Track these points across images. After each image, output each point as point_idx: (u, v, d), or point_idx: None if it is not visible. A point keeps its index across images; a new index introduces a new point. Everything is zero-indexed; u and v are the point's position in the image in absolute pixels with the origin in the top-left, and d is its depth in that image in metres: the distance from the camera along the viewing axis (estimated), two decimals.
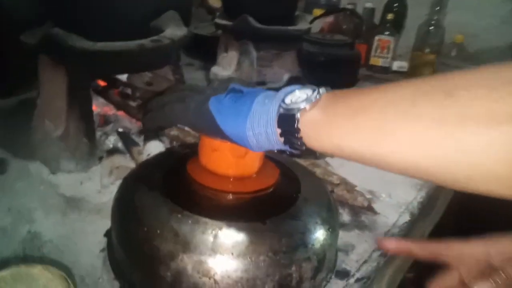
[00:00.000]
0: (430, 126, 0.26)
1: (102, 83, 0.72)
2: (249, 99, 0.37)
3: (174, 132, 0.67)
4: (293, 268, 0.40)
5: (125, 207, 0.44)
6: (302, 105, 0.33)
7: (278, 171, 0.49)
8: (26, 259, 0.44)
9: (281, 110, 0.35)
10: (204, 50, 1.18)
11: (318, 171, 0.66)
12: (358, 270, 0.49)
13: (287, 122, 0.34)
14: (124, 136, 0.65)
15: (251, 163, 0.45)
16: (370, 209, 0.61)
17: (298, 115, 0.33)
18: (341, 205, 0.61)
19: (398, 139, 0.28)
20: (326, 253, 0.44)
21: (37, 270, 0.26)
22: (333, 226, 0.46)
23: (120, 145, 0.65)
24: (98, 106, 0.69)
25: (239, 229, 0.39)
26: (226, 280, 0.38)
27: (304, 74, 1.26)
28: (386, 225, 0.58)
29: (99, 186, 0.59)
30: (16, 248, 0.47)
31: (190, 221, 0.39)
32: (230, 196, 0.44)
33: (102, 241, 0.48)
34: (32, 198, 0.56)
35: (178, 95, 0.44)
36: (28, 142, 0.65)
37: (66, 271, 0.33)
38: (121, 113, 0.69)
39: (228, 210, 0.43)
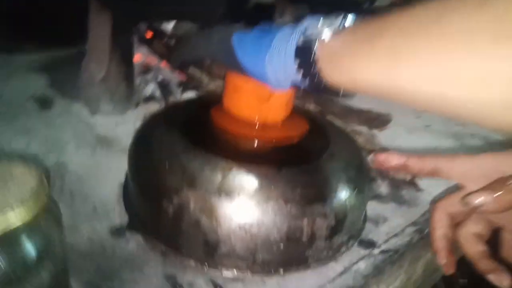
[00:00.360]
0: (455, 47, 0.20)
1: (149, 33, 0.72)
2: (273, 33, 0.34)
3: (211, 84, 0.65)
4: (305, 221, 0.36)
5: (141, 141, 0.43)
6: (321, 36, 0.29)
7: (307, 125, 0.45)
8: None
9: (300, 42, 0.31)
10: (263, 19, 1.15)
11: (360, 139, 0.61)
12: (385, 242, 0.44)
13: (305, 54, 0.31)
14: (163, 85, 0.64)
15: (276, 109, 0.41)
16: (412, 183, 0.54)
17: (315, 46, 0.30)
18: (380, 176, 0.56)
19: (416, 64, 0.23)
20: (347, 215, 0.39)
21: (17, 167, 0.25)
22: (360, 188, 0.41)
23: (157, 93, 0.64)
24: (143, 55, 0.69)
25: (250, 171, 0.36)
26: (228, 222, 0.35)
27: None
28: (428, 203, 0.52)
29: (132, 129, 0.59)
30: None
31: (200, 158, 0.37)
32: (249, 141, 0.41)
33: (123, 178, 0.48)
34: (68, 133, 0.57)
35: (205, 32, 0.41)
36: (76, 85, 0.68)
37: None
38: (163, 64, 0.69)
39: (243, 153, 0.40)
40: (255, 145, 0.41)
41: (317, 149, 0.43)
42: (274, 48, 0.33)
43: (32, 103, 0.66)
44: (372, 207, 0.49)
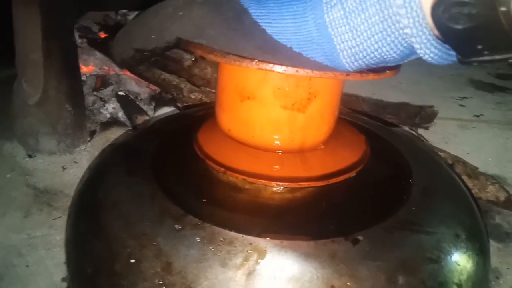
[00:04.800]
0: None
1: (102, 34, 0.53)
2: None
3: (195, 94, 0.46)
4: None
5: (84, 206, 0.24)
6: None
7: (365, 145, 0.27)
8: None
9: None
10: None
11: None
12: None
13: None
14: (126, 102, 0.45)
15: (318, 121, 0.23)
16: (511, 205, 0.37)
17: None
18: None
19: None
20: None
21: None
22: (483, 258, 0.23)
23: (121, 114, 0.45)
24: (96, 63, 0.50)
25: (283, 251, 0.18)
26: None
27: None
28: None
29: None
30: None
31: (197, 234, 0.19)
32: (274, 188, 0.23)
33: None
34: None
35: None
36: (7, 116, 0.49)
37: None
38: (126, 73, 0.50)
39: (267, 214, 0.22)
40: (283, 194, 0.23)
41: (394, 186, 0.25)
42: None
43: None
44: None
